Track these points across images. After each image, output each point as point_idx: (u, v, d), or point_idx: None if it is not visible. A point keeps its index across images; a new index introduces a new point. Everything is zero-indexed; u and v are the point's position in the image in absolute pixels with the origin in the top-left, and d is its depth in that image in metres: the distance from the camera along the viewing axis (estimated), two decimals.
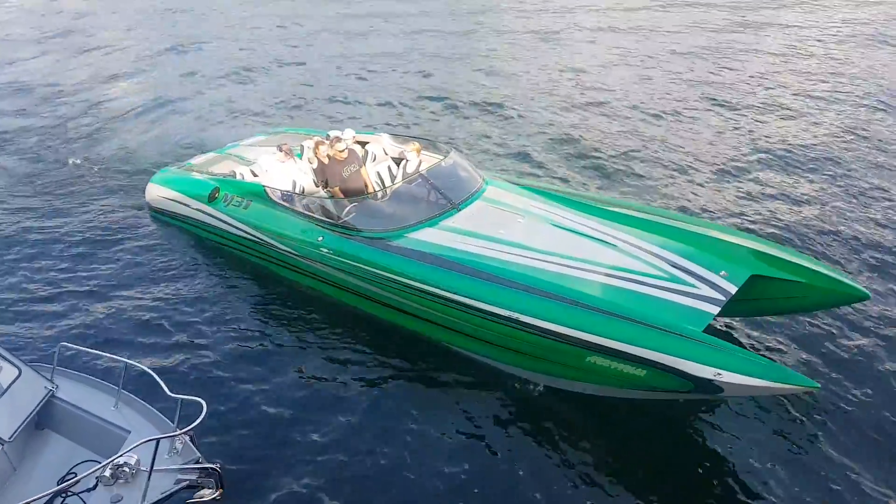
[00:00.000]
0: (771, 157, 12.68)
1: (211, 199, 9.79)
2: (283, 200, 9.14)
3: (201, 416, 4.92)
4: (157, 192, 10.75)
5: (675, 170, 12.40)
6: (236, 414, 7.11)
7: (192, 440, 5.34)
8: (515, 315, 6.65)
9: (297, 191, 9.38)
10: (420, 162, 9.78)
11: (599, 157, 13.04)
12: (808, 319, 7.83)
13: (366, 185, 9.36)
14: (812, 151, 12.80)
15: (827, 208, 10.65)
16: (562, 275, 7.06)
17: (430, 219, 8.23)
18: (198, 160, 11.34)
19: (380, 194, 8.75)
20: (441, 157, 9.71)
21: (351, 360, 7.88)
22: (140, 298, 9.10)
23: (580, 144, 13.74)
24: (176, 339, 8.29)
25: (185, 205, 10.21)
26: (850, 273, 8.63)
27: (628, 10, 26.29)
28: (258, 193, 9.34)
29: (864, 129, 13.68)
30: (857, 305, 7.83)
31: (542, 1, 28.80)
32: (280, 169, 9.61)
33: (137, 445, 4.96)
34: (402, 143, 10.70)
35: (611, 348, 6.14)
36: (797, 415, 6.79)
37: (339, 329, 8.40)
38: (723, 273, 7.03)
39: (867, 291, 6.78)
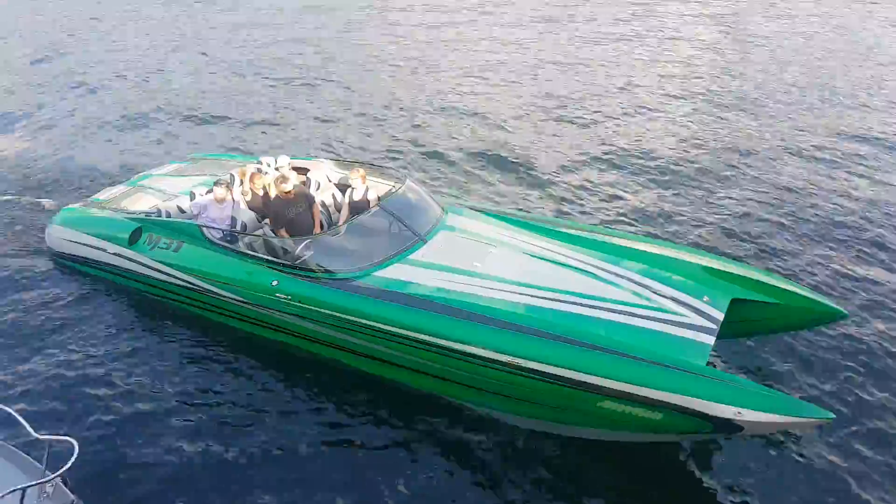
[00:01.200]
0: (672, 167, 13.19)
1: (132, 242, 8.64)
2: (225, 241, 8.21)
3: (72, 458, 4.87)
4: (61, 235, 9.39)
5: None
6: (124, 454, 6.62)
7: (64, 482, 5.29)
8: (517, 361, 6.22)
9: (238, 229, 8.46)
10: (367, 189, 9.15)
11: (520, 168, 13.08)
12: (790, 341, 7.95)
13: (314, 225, 8.58)
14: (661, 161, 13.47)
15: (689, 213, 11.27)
16: (553, 311, 6.74)
17: (398, 254, 7.65)
18: (106, 195, 10.05)
19: (341, 229, 7.98)
20: (392, 184, 9.19)
21: (309, 411, 7.22)
22: (42, 353, 7.99)
23: (493, 156, 13.77)
24: (61, 374, 7.57)
25: (99, 249, 8.97)
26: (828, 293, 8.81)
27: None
28: (192, 234, 8.33)
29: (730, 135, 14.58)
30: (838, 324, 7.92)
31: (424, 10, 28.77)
32: (216, 205, 8.62)
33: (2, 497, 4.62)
34: (343, 169, 10.02)
35: (625, 392, 5.85)
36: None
37: (298, 377, 7.66)
38: (706, 299, 6.99)
39: (845, 311, 6.97)
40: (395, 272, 7.44)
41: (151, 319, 8.62)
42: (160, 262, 8.38)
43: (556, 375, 6.08)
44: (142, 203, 9.49)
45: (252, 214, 8.64)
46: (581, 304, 6.86)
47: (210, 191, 8.83)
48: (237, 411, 7.26)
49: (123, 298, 8.95)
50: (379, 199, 8.83)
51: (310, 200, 8.50)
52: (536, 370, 6.15)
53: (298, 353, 7.87)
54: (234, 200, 8.64)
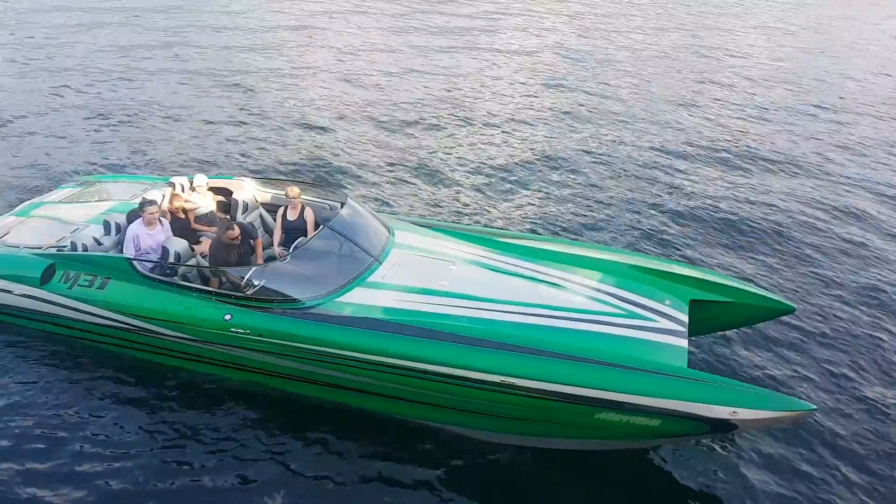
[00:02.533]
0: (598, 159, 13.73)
1: (44, 281, 7.61)
2: (160, 274, 7.43)
3: None
4: None
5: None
6: None
7: None
8: (510, 380, 6.10)
9: (171, 259, 7.67)
10: (303, 209, 8.67)
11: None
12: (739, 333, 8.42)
13: (257, 259, 7.97)
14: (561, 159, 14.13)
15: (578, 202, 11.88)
16: (533, 325, 6.70)
17: (356, 277, 7.31)
18: None
19: (290, 254, 7.46)
20: (325, 203, 8.87)
21: (273, 450, 6.72)
22: None
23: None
24: None
25: (1, 290, 7.80)
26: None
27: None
28: (120, 268, 7.47)
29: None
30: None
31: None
32: (147, 232, 7.76)
33: None
34: (267, 188, 9.42)
35: (623, 402, 5.91)
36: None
37: (255, 415, 7.09)
38: (667, 302, 7.24)
39: (793, 305, 7.49)
40: (359, 296, 7.10)
41: (75, 365, 7.64)
42: (82, 301, 7.43)
43: (551, 392, 6.04)
44: (39, 235, 8.35)
45: (184, 242, 7.89)
46: (556, 317, 6.87)
47: (134, 217, 7.98)
48: (193, 455, 6.61)
49: (38, 344, 7.85)
50: (320, 220, 8.42)
51: (252, 236, 7.92)
52: (530, 388, 6.07)
53: (254, 388, 7.30)
54: (163, 225, 7.85)
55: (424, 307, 6.93)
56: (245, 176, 9.66)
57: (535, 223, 11.40)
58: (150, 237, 7.72)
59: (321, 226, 8.22)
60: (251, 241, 7.87)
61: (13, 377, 7.42)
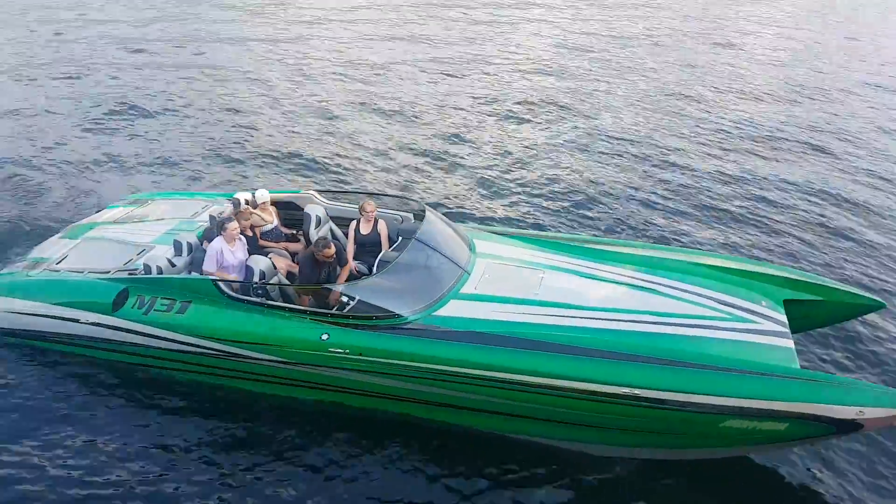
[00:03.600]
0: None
1: (116, 308, 7.23)
2: (252, 295, 7.13)
3: None
4: (6, 307, 7.62)
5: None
6: None
7: None
8: (635, 391, 5.96)
9: (256, 278, 7.37)
10: (376, 222, 8.44)
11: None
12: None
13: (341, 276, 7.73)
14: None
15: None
16: (644, 333, 6.57)
17: (450, 290, 7.11)
18: (48, 252, 8.31)
19: (384, 269, 7.19)
20: (401, 214, 8.74)
21: (378, 471, 6.52)
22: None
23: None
24: None
25: (69, 320, 7.39)
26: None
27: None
28: (203, 290, 7.14)
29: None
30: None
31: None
32: (229, 249, 7.46)
33: None
34: (330, 200, 9.16)
35: (751, 408, 5.81)
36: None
37: (356, 438, 6.83)
38: (763, 303, 7.19)
39: (883, 301, 7.50)
40: (456, 309, 6.90)
41: (154, 395, 7.26)
42: (161, 326, 7.08)
43: (677, 402, 5.91)
44: (102, 259, 7.97)
45: (267, 260, 7.59)
46: (662, 323, 6.77)
47: (211, 235, 7.67)
48: (297, 483, 6.32)
49: (112, 375, 7.45)
50: (397, 232, 8.21)
51: (343, 261, 7.67)
52: (655, 398, 5.94)
53: (350, 410, 7.02)
54: (243, 243, 7.55)
55: (526, 318, 6.76)
56: (309, 189, 9.36)
57: (567, 218, 11.43)
58: (232, 254, 7.43)
59: (398, 238, 8.02)
60: (340, 266, 7.64)
61: (89, 411, 7.03)
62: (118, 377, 7.45)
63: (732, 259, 8.19)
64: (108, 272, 7.63)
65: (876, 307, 7.48)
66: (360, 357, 6.57)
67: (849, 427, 5.85)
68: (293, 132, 15.36)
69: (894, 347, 8.31)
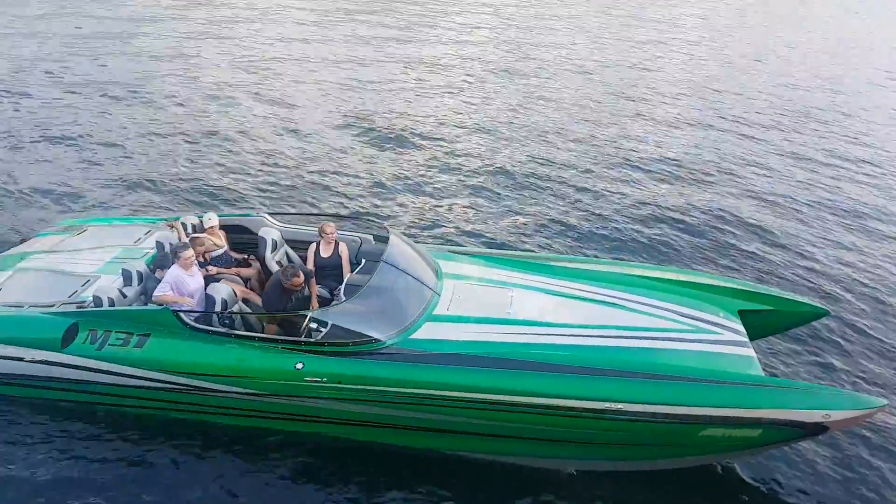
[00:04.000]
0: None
1: (66, 343, 6.71)
2: (218, 325, 6.80)
3: None
4: None
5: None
6: None
7: None
8: (617, 405, 6.06)
9: (219, 307, 7.02)
10: (336, 244, 8.27)
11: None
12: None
13: (312, 301, 7.54)
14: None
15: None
16: (617, 348, 6.72)
17: (423, 312, 7.04)
18: None
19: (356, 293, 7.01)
20: (359, 236, 8.66)
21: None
22: None
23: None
24: None
25: (10, 358, 6.80)
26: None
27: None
28: (163, 321, 6.74)
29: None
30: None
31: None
32: (186, 276, 7.07)
33: None
34: (282, 223, 8.89)
35: (730, 417, 6.04)
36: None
37: (325, 469, 6.66)
38: (721, 314, 7.52)
39: (826, 308, 8.00)
40: (431, 331, 6.84)
41: (110, 434, 6.78)
42: (118, 362, 6.63)
43: (659, 414, 6.07)
44: (41, 291, 7.39)
45: (228, 288, 7.25)
46: (633, 337, 6.95)
47: (162, 264, 7.26)
48: None
49: (63, 416, 6.89)
50: (361, 255, 8.07)
51: (308, 275, 7.43)
52: (637, 412, 6.07)
53: (324, 439, 6.82)
54: (199, 269, 7.20)
55: (502, 337, 6.79)
56: (260, 211, 9.05)
57: (525, 235, 11.62)
58: (192, 280, 7.05)
59: (361, 261, 7.89)
60: (307, 288, 7.41)
61: (40, 455, 6.47)
62: (68, 418, 6.91)
63: (687, 273, 8.52)
64: (53, 305, 7.09)
65: (821, 314, 7.97)
66: (339, 385, 6.39)
67: (816, 430, 6.18)
68: (218, 154, 14.71)
69: (839, 351, 8.89)
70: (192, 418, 6.87)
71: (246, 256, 8.72)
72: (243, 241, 8.79)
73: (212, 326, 6.81)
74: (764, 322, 7.87)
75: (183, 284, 7.01)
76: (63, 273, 7.67)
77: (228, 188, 12.74)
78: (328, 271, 8.27)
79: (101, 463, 6.51)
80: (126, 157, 14.18)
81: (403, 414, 6.47)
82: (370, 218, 9.65)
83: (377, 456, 6.77)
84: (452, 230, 11.71)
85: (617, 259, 10.58)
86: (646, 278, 8.08)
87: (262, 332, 6.92)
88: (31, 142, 14.74)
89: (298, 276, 6.95)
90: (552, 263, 8.37)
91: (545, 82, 22.63)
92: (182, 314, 6.74)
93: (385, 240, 8.08)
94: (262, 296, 7.44)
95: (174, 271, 7.03)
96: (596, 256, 10.72)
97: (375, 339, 6.56)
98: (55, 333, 6.74)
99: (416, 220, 12.03)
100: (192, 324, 6.74)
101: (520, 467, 6.74)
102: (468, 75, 22.94)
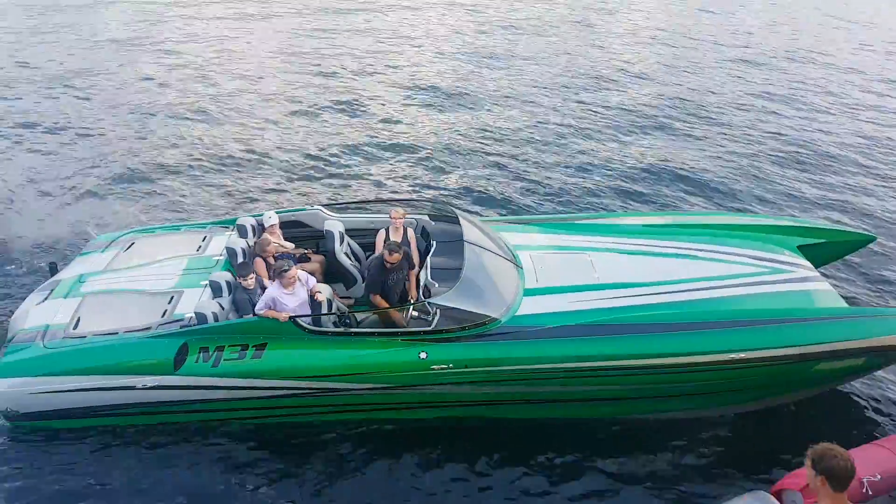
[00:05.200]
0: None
1: (178, 365, 6.56)
2: (328, 327, 6.77)
3: None
4: (32, 389, 6.58)
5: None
6: None
7: None
8: (740, 355, 6.44)
9: (325, 308, 7.00)
10: (405, 230, 8.26)
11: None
12: None
13: (411, 290, 7.61)
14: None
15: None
16: (716, 300, 7.09)
17: (519, 287, 7.24)
18: (49, 317, 7.17)
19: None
20: (414, 218, 8.61)
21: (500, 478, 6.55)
22: None
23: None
24: None
25: (122, 388, 6.58)
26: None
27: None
28: (281, 329, 6.66)
29: None
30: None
31: None
32: (286, 292, 6.95)
33: None
34: (336, 213, 8.77)
35: (840, 350, 6.49)
36: None
37: (477, 449, 6.79)
38: (787, 253, 7.99)
39: (874, 234, 8.59)
40: (533, 306, 7.04)
41: (238, 449, 6.73)
42: (238, 376, 6.55)
43: (780, 357, 6.45)
44: (128, 314, 7.09)
45: (329, 288, 7.21)
46: (724, 287, 7.32)
47: (239, 270, 7.24)
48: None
49: (181, 438, 6.79)
50: (435, 237, 8.09)
51: (411, 265, 7.50)
52: (759, 358, 6.45)
53: (449, 422, 6.99)
54: (302, 282, 7.10)
55: (605, 303, 7.04)
56: (314, 204, 8.89)
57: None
58: (291, 299, 6.93)
59: (432, 244, 7.94)
60: (407, 271, 7.57)
61: (173, 477, 6.39)
62: (187, 439, 6.80)
63: (741, 216, 8.97)
64: (150, 328, 6.87)
65: (869, 240, 8.57)
66: (465, 369, 6.54)
67: None
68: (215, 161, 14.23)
69: (892, 271, 9.56)
70: (315, 420, 6.92)
71: (306, 251, 8.62)
72: (301, 235, 8.67)
73: (330, 328, 6.80)
74: (819, 254, 8.39)
75: (279, 305, 6.89)
76: (141, 293, 7.38)
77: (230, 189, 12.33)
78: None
79: (235, 474, 6.49)
80: (131, 165, 13.28)
81: (527, 389, 6.71)
82: (432, 200, 9.63)
83: (501, 431, 6.99)
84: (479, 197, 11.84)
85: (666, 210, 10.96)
86: (704, 226, 8.46)
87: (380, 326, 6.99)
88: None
89: (398, 252, 7.11)
90: (607, 222, 8.65)
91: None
92: (299, 320, 6.67)
93: (448, 219, 8.19)
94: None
95: (273, 292, 6.89)
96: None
97: (490, 320, 6.70)
98: (166, 357, 6.56)
99: (430, 193, 12.10)
100: (311, 327, 6.70)
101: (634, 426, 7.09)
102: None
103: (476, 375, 6.55)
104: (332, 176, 12.87)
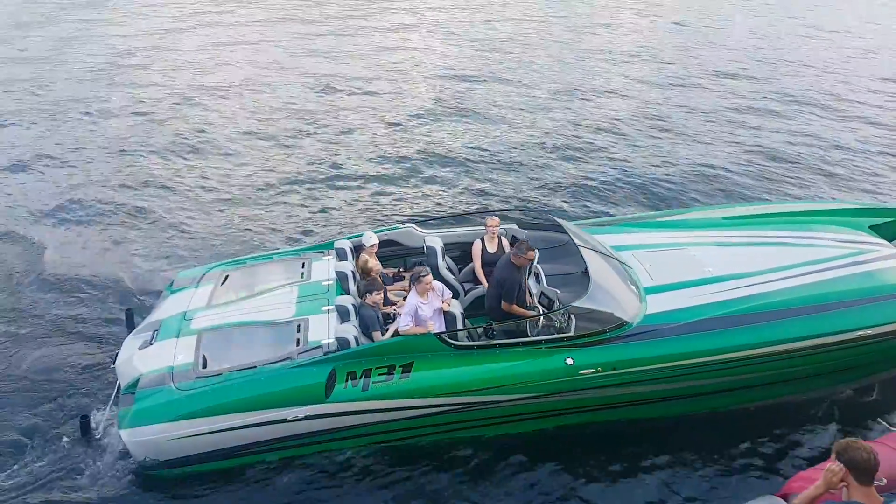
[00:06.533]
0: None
1: (329, 391, 6.44)
2: (469, 340, 6.85)
3: None
4: (182, 432, 6.31)
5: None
6: None
7: None
8: (864, 333, 6.80)
9: (460, 323, 7.05)
10: (499, 239, 8.35)
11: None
12: None
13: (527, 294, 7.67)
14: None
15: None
16: (826, 282, 7.41)
17: (639, 287, 7.41)
18: (168, 358, 6.85)
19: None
20: (504, 228, 8.68)
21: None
22: None
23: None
24: None
25: (272, 422, 6.41)
26: None
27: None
28: (428, 347, 6.64)
29: None
30: None
31: None
32: (423, 303, 6.96)
33: None
34: (425, 229, 8.81)
35: None
36: None
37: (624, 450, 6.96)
38: (864, 234, 8.44)
39: None
40: (659, 304, 7.23)
41: (390, 467, 6.69)
42: (389, 397, 6.49)
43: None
44: (250, 348, 6.88)
45: (457, 302, 7.22)
46: (823, 270, 7.65)
47: (362, 290, 7.26)
48: None
49: (336, 465, 6.68)
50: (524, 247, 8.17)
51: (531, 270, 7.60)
52: (881, 333, 6.86)
53: (591, 427, 7.10)
54: (435, 291, 7.13)
55: (726, 295, 7.27)
56: (405, 222, 8.87)
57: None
58: (427, 307, 6.95)
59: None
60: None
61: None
62: (338, 466, 6.69)
63: (807, 202, 9.41)
64: (289, 358, 6.70)
65: None
66: (614, 372, 6.66)
67: None
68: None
69: None
70: (460, 435, 6.90)
71: (398, 270, 8.60)
72: (391, 254, 8.65)
73: (470, 342, 6.81)
74: (887, 233, 8.86)
75: (420, 311, 6.89)
76: (263, 324, 7.20)
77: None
78: (491, 267, 8.34)
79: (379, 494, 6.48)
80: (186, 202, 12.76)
81: (672, 386, 6.87)
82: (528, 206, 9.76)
83: (641, 430, 7.14)
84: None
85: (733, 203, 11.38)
86: (780, 214, 8.86)
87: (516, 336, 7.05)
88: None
89: (533, 249, 7.18)
90: (687, 218, 8.99)
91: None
92: (444, 336, 6.67)
93: (541, 226, 8.39)
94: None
95: (412, 301, 6.89)
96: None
97: (626, 322, 6.85)
98: (316, 385, 6.42)
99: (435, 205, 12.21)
100: (456, 342, 6.70)
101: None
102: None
103: (624, 377, 6.69)
104: (381, 194, 12.85)
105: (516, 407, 6.73)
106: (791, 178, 13.24)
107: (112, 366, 7.43)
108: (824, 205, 9.23)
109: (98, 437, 6.93)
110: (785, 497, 4.82)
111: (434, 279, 8.18)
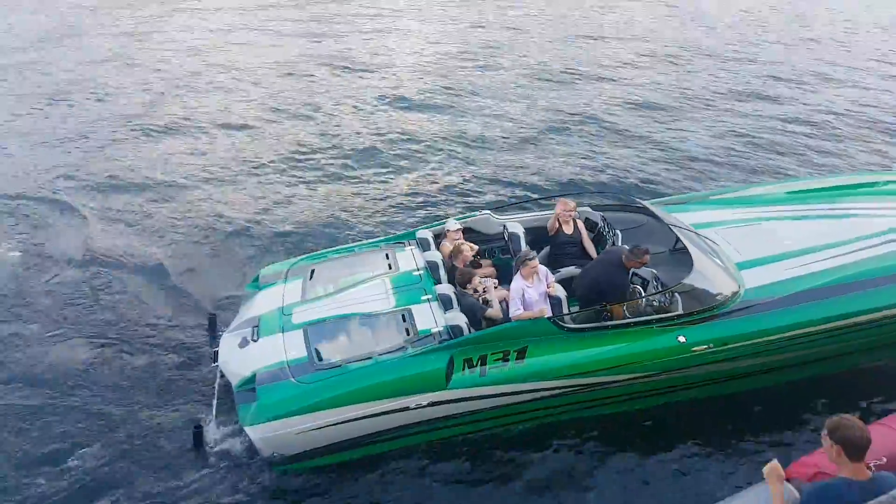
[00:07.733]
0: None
1: (449, 379, 6.51)
2: (580, 322, 6.97)
3: None
4: (307, 426, 6.33)
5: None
6: None
7: None
8: None
9: (565, 306, 7.21)
10: (574, 221, 8.48)
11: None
12: None
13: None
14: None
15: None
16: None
17: (732, 261, 7.55)
18: (280, 353, 6.82)
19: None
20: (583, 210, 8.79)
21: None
22: None
23: None
24: None
25: (395, 411, 6.47)
26: None
27: None
28: (541, 331, 6.73)
29: None
30: None
31: None
32: (529, 286, 7.08)
33: None
34: (504, 214, 8.89)
35: None
36: None
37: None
38: None
39: None
40: (756, 277, 7.36)
41: (512, 452, 6.80)
42: (505, 382, 6.59)
43: None
44: (389, 339, 6.92)
45: (559, 284, 7.35)
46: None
47: (460, 279, 7.39)
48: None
49: (457, 452, 6.79)
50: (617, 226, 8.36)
51: None
52: None
53: (705, 402, 7.30)
54: (538, 275, 7.23)
55: (816, 266, 7.40)
56: (482, 210, 8.94)
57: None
58: (533, 290, 7.04)
59: (616, 233, 8.28)
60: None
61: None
62: (461, 451, 6.81)
63: (848, 175, 9.66)
64: (405, 347, 6.74)
65: None
66: (725, 346, 6.80)
67: None
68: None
69: None
70: (573, 416, 7.02)
71: (475, 258, 8.66)
72: (470, 241, 8.68)
73: (580, 324, 6.91)
74: None
75: (527, 293, 6.98)
76: (368, 315, 7.19)
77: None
78: (569, 248, 8.45)
79: (511, 481, 6.59)
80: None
81: (779, 358, 7.03)
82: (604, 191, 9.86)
83: (640, 418, 7.25)
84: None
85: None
86: (841, 187, 9.12)
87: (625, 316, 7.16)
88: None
89: (649, 252, 7.21)
90: (749, 194, 9.22)
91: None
92: (556, 319, 6.76)
93: (617, 207, 8.57)
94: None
95: (518, 284, 6.97)
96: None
97: (733, 295, 6.99)
98: (437, 373, 6.49)
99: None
100: (569, 325, 6.80)
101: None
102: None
103: (737, 351, 6.83)
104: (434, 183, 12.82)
105: (631, 386, 6.86)
106: (836, 151, 13.54)
107: (213, 364, 7.43)
108: (882, 175, 9.52)
109: (211, 443, 6.91)
110: (788, 480, 4.77)
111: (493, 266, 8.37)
